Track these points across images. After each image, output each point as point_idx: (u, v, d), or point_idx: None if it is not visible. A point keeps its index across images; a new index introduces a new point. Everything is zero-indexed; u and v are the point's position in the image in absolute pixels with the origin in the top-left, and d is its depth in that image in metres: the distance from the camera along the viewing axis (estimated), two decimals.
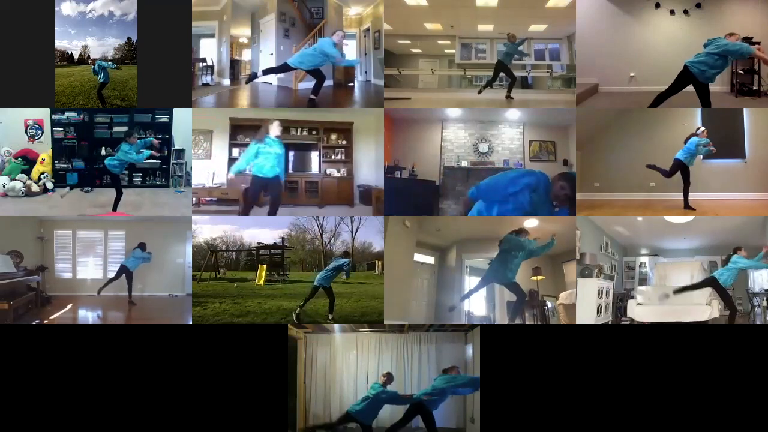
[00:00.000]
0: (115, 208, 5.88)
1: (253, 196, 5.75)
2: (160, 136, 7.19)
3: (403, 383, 5.25)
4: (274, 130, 5.65)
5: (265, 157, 5.58)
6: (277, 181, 5.67)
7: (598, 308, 5.65)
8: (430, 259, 6.72)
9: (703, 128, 5.92)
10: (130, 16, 5.46)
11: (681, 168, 5.86)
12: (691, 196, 6.04)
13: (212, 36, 7.87)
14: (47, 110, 6.79)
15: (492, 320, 6.00)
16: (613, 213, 5.92)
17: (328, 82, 7.80)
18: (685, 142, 5.86)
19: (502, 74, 6.91)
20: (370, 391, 4.98)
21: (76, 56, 5.84)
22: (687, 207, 5.81)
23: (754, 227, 5.66)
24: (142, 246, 6.18)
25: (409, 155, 6.81)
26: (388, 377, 5.03)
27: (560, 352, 4.77)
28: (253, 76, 6.48)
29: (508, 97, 6.93)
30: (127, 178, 7.20)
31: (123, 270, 6.14)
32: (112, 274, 6.24)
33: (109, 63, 5.78)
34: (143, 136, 6.56)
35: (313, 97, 6.26)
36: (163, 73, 5.13)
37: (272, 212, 5.71)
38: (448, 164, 7.28)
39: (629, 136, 6.60)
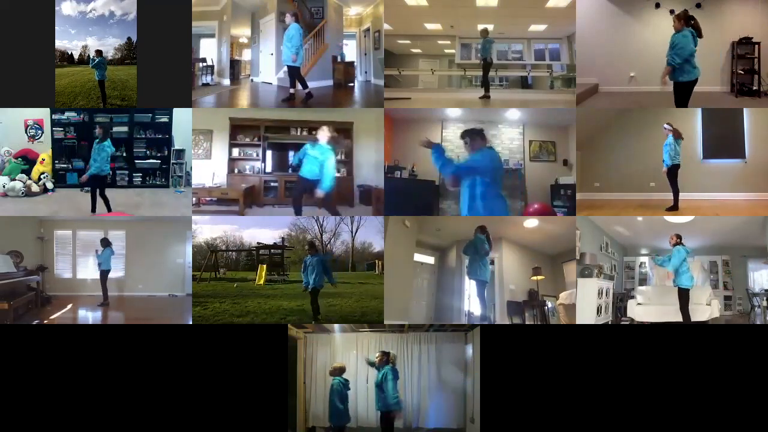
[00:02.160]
0: (109, 209, 5.87)
1: (295, 194, 5.98)
2: (159, 135, 7.23)
3: (403, 383, 5.24)
4: (321, 135, 5.68)
5: (309, 160, 5.66)
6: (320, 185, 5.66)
7: (598, 308, 5.65)
8: (430, 259, 6.72)
9: (667, 126, 5.91)
10: (130, 16, 5.46)
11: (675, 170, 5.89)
12: (691, 196, 6.05)
13: (212, 36, 7.87)
14: (47, 110, 6.80)
15: (492, 320, 6.00)
16: (613, 213, 5.92)
17: (328, 82, 7.81)
18: None
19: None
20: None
21: (76, 56, 5.84)
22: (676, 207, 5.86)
23: (754, 227, 5.66)
24: (104, 242, 6.19)
25: (409, 155, 6.81)
26: (337, 370, 5.06)
27: (560, 352, 4.76)
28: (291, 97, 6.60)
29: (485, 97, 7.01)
30: (127, 178, 7.22)
31: (105, 274, 6.16)
32: (112, 274, 6.25)
33: (101, 58, 5.80)
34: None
35: (307, 91, 6.41)
36: (163, 73, 5.13)
37: (332, 212, 5.83)
38: None
39: (629, 136, 6.60)
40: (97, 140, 6.00)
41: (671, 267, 5.52)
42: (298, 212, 5.80)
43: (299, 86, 6.61)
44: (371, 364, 5.10)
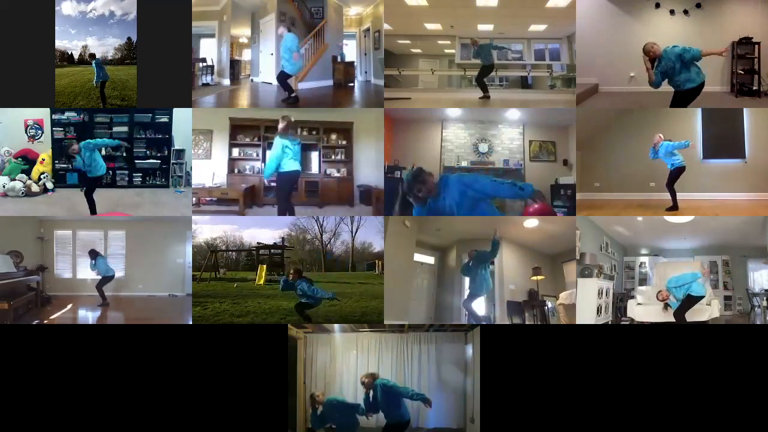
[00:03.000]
0: (94, 211, 5.87)
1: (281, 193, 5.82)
2: (159, 135, 7.24)
3: (403, 383, 5.24)
4: (279, 126, 5.60)
5: (284, 155, 5.58)
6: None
7: (598, 308, 5.64)
8: (430, 259, 6.72)
9: (659, 135, 5.91)
10: (130, 16, 5.46)
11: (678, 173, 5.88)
12: (691, 196, 6.04)
13: (212, 36, 7.87)
14: (47, 110, 6.81)
15: (492, 320, 6.00)
16: (613, 213, 5.92)
17: (328, 82, 7.81)
18: (656, 152, 5.89)
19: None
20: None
21: (76, 56, 5.84)
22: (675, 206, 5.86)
23: (754, 227, 5.65)
24: (93, 253, 6.13)
25: (409, 155, 6.81)
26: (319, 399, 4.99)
27: (560, 352, 4.76)
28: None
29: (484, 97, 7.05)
30: (127, 178, 7.22)
31: (110, 279, 6.14)
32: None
33: (96, 60, 5.80)
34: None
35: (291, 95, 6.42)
36: (163, 73, 5.12)
37: (279, 210, 5.77)
38: (448, 164, 7.27)
39: (629, 136, 6.59)
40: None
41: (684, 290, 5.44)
42: (290, 212, 5.77)
43: (298, 87, 6.60)
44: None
